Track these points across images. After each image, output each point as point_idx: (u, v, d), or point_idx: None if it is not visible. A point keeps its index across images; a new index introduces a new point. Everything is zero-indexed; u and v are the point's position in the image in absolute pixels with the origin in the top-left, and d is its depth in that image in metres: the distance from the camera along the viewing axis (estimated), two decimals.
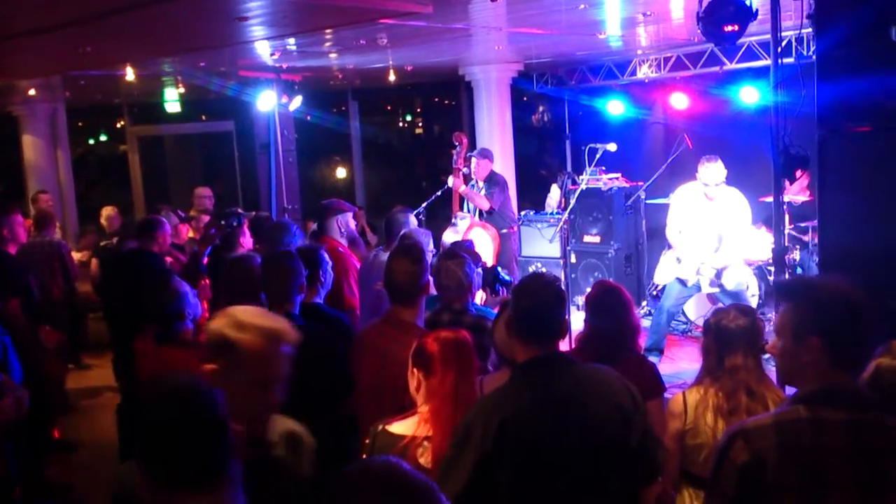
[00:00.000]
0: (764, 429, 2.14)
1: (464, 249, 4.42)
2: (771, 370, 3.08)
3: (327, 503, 1.56)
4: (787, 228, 7.83)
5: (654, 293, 9.14)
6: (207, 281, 5.51)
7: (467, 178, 8.12)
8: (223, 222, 5.51)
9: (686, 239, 7.14)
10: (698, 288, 7.15)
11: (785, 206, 7.63)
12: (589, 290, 4.19)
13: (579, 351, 3.65)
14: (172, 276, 4.14)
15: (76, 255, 9.14)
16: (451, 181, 7.97)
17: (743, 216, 7.03)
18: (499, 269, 4.89)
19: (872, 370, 2.58)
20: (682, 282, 7.16)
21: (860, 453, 2.08)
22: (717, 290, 7.16)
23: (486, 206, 7.89)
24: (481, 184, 8.03)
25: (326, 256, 4.50)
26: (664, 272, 7.34)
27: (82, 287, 8.74)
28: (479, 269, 4.45)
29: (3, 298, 5.97)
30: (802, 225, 7.91)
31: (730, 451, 2.15)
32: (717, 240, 6.99)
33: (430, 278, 3.87)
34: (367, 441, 3.09)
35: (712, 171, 6.86)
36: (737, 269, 7.13)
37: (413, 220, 5.80)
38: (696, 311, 8.19)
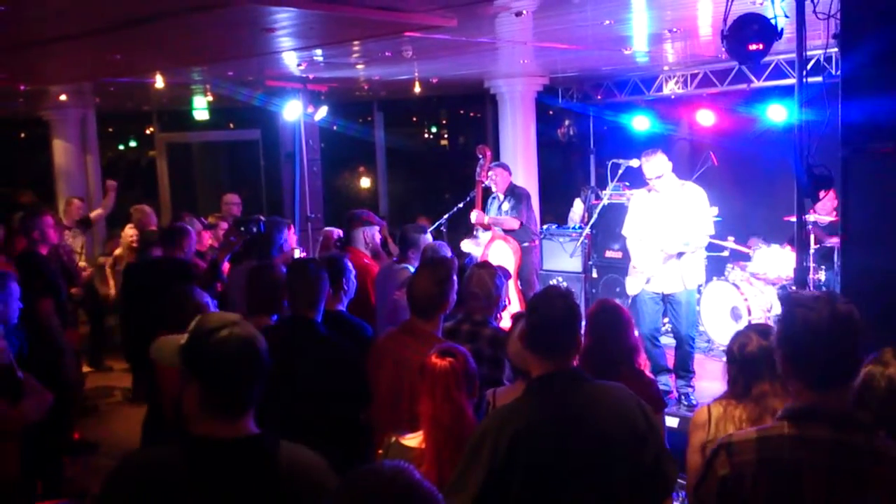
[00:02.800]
0: (747, 443, 2.20)
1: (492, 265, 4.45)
2: None
3: (335, 502, 1.60)
4: (813, 248, 7.76)
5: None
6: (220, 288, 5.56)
7: (488, 191, 8.12)
8: (243, 229, 5.52)
9: (643, 245, 6.98)
10: (662, 297, 7.00)
11: (811, 226, 7.58)
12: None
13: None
14: (194, 288, 4.17)
15: (101, 259, 9.24)
16: (473, 217, 7.94)
17: (694, 212, 6.79)
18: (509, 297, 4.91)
19: (863, 377, 2.57)
20: (651, 295, 6.99)
21: (838, 473, 2.10)
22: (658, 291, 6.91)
23: (516, 225, 7.85)
24: (501, 196, 8.03)
25: (350, 265, 4.54)
26: (632, 283, 7.15)
27: (103, 290, 8.84)
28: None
29: (36, 298, 6.05)
30: (828, 245, 7.84)
31: (714, 462, 2.22)
32: (672, 238, 6.78)
33: (454, 297, 3.87)
34: (380, 452, 3.11)
35: (651, 164, 6.78)
36: (684, 271, 6.82)
37: (428, 238, 5.81)
38: (721, 333, 8.11)
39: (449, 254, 5.59)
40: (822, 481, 2.10)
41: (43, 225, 6.52)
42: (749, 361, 3.21)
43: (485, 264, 4.40)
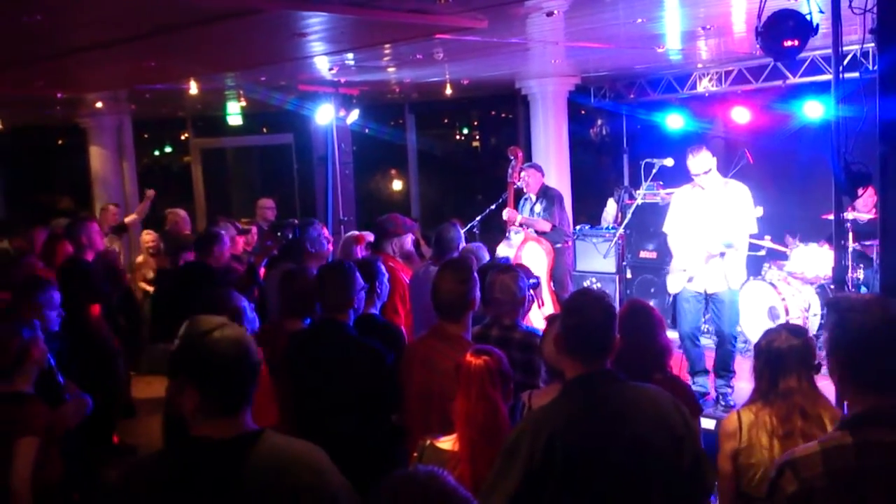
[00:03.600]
0: (811, 458, 2.16)
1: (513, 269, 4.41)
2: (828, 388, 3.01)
3: None
4: (851, 246, 7.64)
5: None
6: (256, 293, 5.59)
7: (520, 193, 8.09)
8: (279, 234, 5.57)
9: (686, 243, 6.90)
10: (705, 296, 6.89)
11: (849, 224, 7.46)
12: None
13: None
14: (231, 292, 4.20)
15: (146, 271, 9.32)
16: (505, 214, 7.93)
17: (738, 209, 6.71)
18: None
19: None
20: (693, 294, 6.89)
21: None
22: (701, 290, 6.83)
23: (548, 227, 7.83)
24: (534, 197, 8.00)
25: (383, 268, 4.55)
26: (674, 281, 7.03)
27: (138, 295, 8.92)
28: (532, 289, 4.43)
29: (84, 304, 6.14)
30: (867, 243, 7.71)
31: (780, 480, 2.18)
32: (715, 236, 6.69)
33: (478, 295, 3.86)
34: (415, 455, 3.12)
35: (698, 160, 6.68)
36: (728, 269, 6.74)
37: (461, 235, 5.80)
38: (759, 333, 8.00)
39: (486, 256, 5.56)
40: (892, 484, 2.08)
41: (90, 231, 6.61)
42: (776, 356, 3.21)
43: (506, 268, 4.35)
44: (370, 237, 6.41)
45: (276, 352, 4.13)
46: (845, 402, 2.31)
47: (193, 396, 2.15)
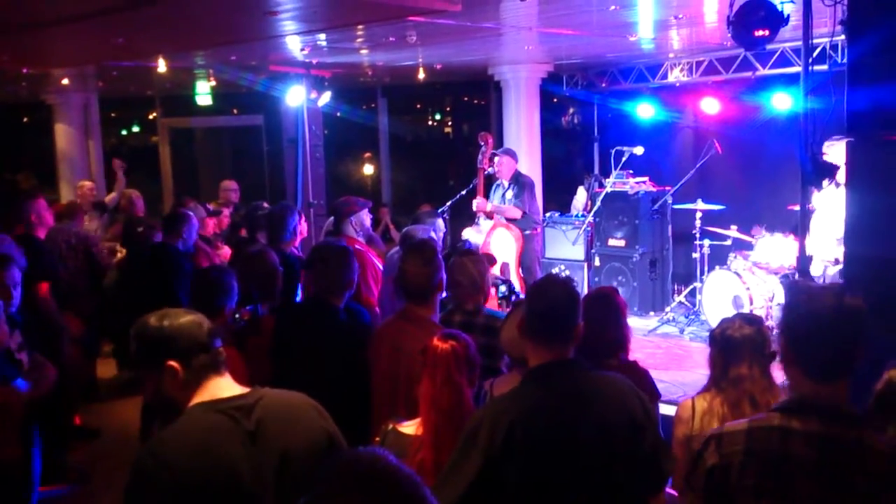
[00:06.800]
0: (736, 434, 2.19)
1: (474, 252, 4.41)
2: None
3: (315, 487, 1.60)
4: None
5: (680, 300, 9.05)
6: None
7: (491, 179, 8.09)
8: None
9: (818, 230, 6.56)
10: None
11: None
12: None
13: None
14: (229, 271, 4.18)
15: (107, 244, 9.18)
16: (475, 204, 7.93)
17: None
18: (514, 284, 4.85)
19: (884, 381, 2.56)
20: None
21: (826, 466, 2.07)
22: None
23: (518, 214, 7.84)
24: (506, 183, 8.00)
25: None
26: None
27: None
28: (497, 281, 4.43)
29: (33, 281, 6.04)
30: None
31: (704, 452, 2.22)
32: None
33: (445, 277, 3.86)
34: (377, 439, 3.10)
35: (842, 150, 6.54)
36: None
37: (440, 224, 5.81)
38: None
39: (434, 236, 5.57)
40: (810, 475, 2.08)
41: (39, 208, 6.51)
42: (729, 344, 3.25)
43: (466, 251, 4.35)
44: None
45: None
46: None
47: (175, 373, 2.33)
